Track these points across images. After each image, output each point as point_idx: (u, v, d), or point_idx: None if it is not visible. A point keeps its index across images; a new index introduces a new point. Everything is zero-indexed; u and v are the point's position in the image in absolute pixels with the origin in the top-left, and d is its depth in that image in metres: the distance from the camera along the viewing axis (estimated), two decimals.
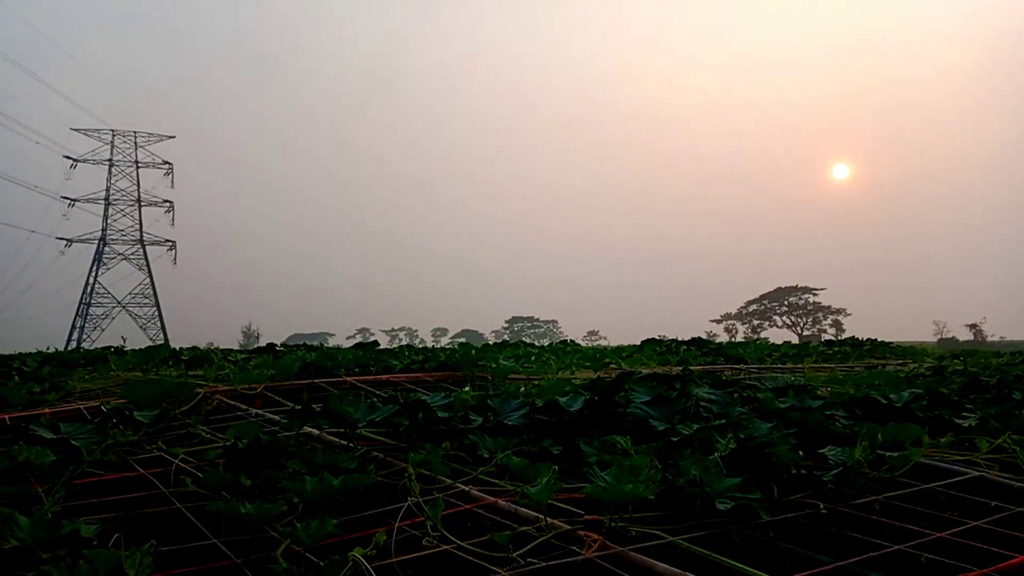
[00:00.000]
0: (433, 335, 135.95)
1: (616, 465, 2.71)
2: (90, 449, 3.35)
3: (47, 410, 4.84)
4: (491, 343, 16.08)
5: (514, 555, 2.25)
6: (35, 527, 2.12)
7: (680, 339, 13.57)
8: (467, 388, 5.26)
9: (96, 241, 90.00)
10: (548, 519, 2.51)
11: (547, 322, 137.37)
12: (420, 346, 15.10)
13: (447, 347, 15.42)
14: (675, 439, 3.50)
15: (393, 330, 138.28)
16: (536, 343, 16.54)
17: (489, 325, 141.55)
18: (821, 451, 3.34)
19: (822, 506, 2.82)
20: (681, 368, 6.52)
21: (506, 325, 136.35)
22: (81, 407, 4.84)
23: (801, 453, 3.10)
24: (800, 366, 8.75)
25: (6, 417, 4.59)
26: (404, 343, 42.58)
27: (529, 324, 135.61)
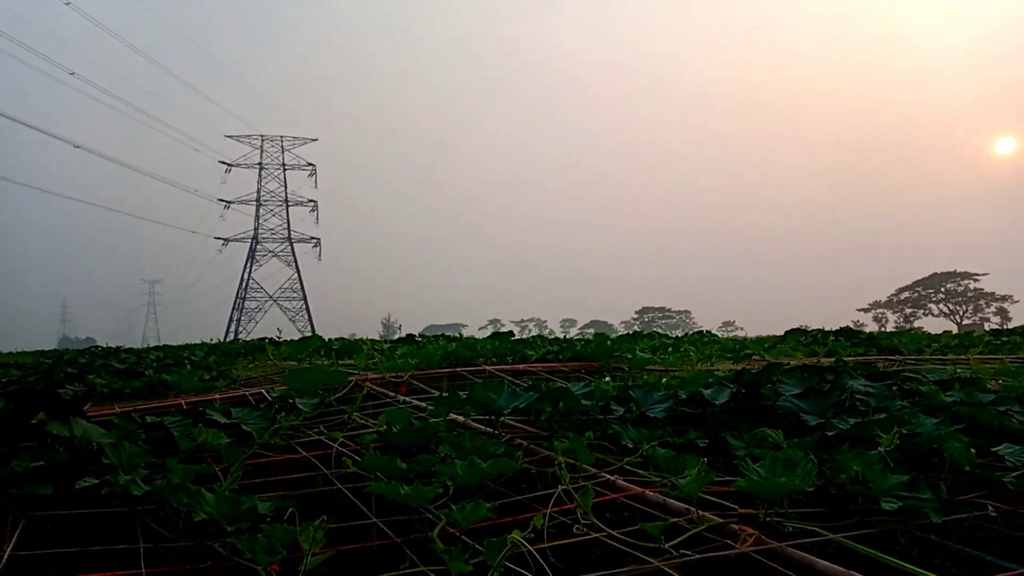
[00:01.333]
0: (562, 326, 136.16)
1: (769, 458, 2.62)
2: (259, 432, 3.61)
3: (217, 396, 5.26)
4: (622, 334, 15.94)
5: (666, 546, 2.23)
6: (219, 503, 2.30)
7: (826, 329, 12.93)
8: (606, 379, 5.25)
9: (249, 240, 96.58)
10: (699, 511, 2.46)
11: (679, 312, 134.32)
12: (551, 336, 15.17)
13: (579, 338, 15.41)
14: (830, 434, 3.34)
15: (523, 321, 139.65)
16: (669, 334, 16.23)
17: (618, 316, 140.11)
18: (995, 449, 3.08)
19: (991, 507, 2.61)
20: (831, 360, 6.20)
21: (636, 316, 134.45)
22: (246, 393, 5.23)
23: (973, 451, 2.88)
24: (964, 357, 8.11)
25: (183, 402, 5.02)
26: (533, 333, 42.89)
27: (660, 315, 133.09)
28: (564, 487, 2.63)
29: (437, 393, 5.22)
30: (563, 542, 2.35)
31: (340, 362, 7.66)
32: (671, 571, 2.11)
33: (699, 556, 2.20)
